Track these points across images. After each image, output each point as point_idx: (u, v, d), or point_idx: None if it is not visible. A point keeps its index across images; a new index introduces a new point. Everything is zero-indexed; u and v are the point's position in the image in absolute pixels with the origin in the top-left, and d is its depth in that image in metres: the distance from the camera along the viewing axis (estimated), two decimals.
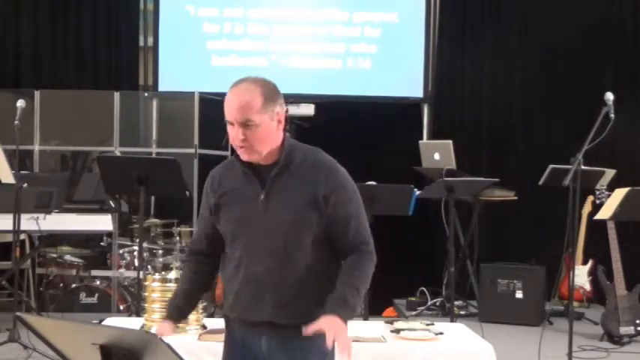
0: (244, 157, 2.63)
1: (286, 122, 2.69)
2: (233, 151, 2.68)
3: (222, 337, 3.74)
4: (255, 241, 2.62)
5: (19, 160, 5.74)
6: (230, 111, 2.58)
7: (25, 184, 5.51)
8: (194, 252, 2.87)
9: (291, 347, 2.63)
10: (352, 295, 2.58)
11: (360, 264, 2.64)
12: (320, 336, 2.58)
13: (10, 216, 5.37)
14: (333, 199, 2.61)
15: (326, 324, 2.51)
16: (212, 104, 7.45)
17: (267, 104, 2.58)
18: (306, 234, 2.60)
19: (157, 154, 7.45)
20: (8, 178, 5.60)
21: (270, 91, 2.61)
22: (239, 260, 2.65)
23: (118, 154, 6.96)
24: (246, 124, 2.56)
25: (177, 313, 2.82)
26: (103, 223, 6.06)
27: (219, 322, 4.09)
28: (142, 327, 3.88)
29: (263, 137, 2.59)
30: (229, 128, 2.62)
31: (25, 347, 5.21)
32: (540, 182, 6.52)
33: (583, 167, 4.78)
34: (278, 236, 2.59)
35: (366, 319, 5.78)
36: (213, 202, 2.71)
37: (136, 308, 5.57)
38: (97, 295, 6.44)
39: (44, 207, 5.80)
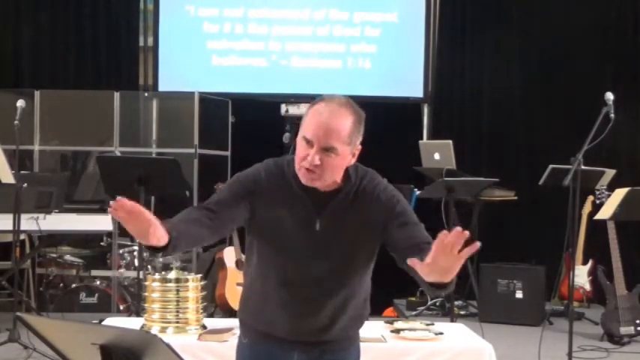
0: (306, 181, 2.41)
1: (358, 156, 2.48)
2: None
3: (222, 337, 3.77)
4: (305, 268, 2.48)
5: (19, 160, 5.75)
6: (315, 131, 2.36)
7: (25, 184, 5.51)
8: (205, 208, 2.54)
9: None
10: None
11: None
12: (353, 346, 2.65)
13: (10, 216, 5.37)
14: (399, 219, 2.46)
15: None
16: (212, 104, 7.47)
17: (354, 135, 2.42)
18: (360, 262, 2.53)
19: (157, 154, 7.45)
20: (8, 178, 5.60)
21: (360, 121, 2.45)
22: (283, 282, 2.50)
23: (118, 154, 6.96)
24: (326, 150, 2.36)
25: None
26: (103, 223, 6.06)
27: (219, 322, 4.10)
28: (142, 327, 3.88)
29: (336, 167, 2.41)
30: (302, 145, 2.40)
31: (25, 347, 5.21)
32: (540, 182, 6.51)
33: (583, 167, 4.79)
34: (331, 266, 2.48)
35: (366, 319, 5.78)
36: (252, 194, 2.46)
37: (136, 308, 5.58)
38: (97, 295, 6.43)
39: (44, 207, 5.80)
